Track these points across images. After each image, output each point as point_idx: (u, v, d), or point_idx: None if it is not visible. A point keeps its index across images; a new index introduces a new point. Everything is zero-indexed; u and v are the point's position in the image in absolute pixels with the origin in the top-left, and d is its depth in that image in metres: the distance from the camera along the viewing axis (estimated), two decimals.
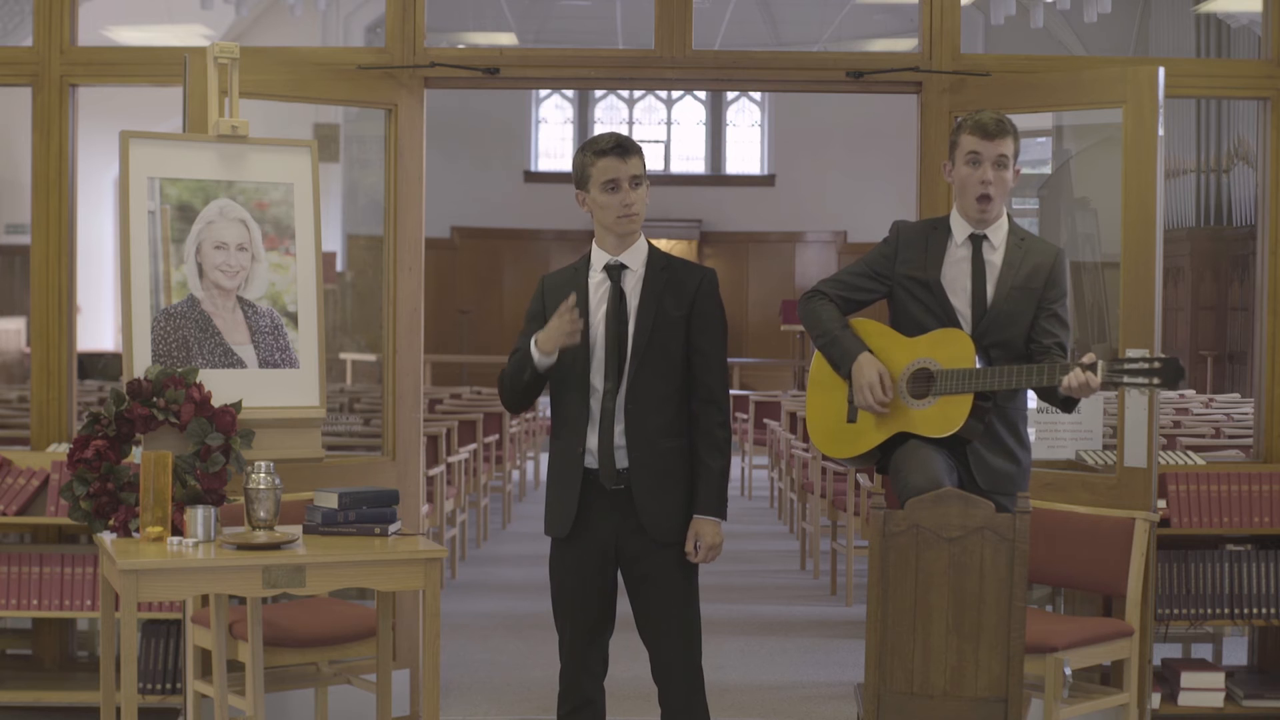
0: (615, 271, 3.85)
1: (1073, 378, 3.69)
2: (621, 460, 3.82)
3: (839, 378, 3.99)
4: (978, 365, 3.81)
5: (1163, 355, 3.71)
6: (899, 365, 3.91)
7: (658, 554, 3.85)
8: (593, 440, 3.83)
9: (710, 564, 3.89)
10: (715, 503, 3.86)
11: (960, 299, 3.94)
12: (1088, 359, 3.70)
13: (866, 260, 4.07)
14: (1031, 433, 5.28)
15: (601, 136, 3.83)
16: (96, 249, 16.42)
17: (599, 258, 3.88)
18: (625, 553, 3.87)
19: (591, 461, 3.84)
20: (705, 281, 3.90)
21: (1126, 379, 3.67)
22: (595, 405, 3.83)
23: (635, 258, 3.87)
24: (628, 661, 4.11)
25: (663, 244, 22.83)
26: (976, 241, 3.95)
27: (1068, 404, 3.89)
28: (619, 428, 3.82)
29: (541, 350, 3.79)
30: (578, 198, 3.87)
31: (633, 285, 3.86)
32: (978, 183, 3.88)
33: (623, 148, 3.79)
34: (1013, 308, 3.91)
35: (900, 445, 3.88)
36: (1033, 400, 4.03)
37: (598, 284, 3.87)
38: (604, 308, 3.84)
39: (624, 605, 3.96)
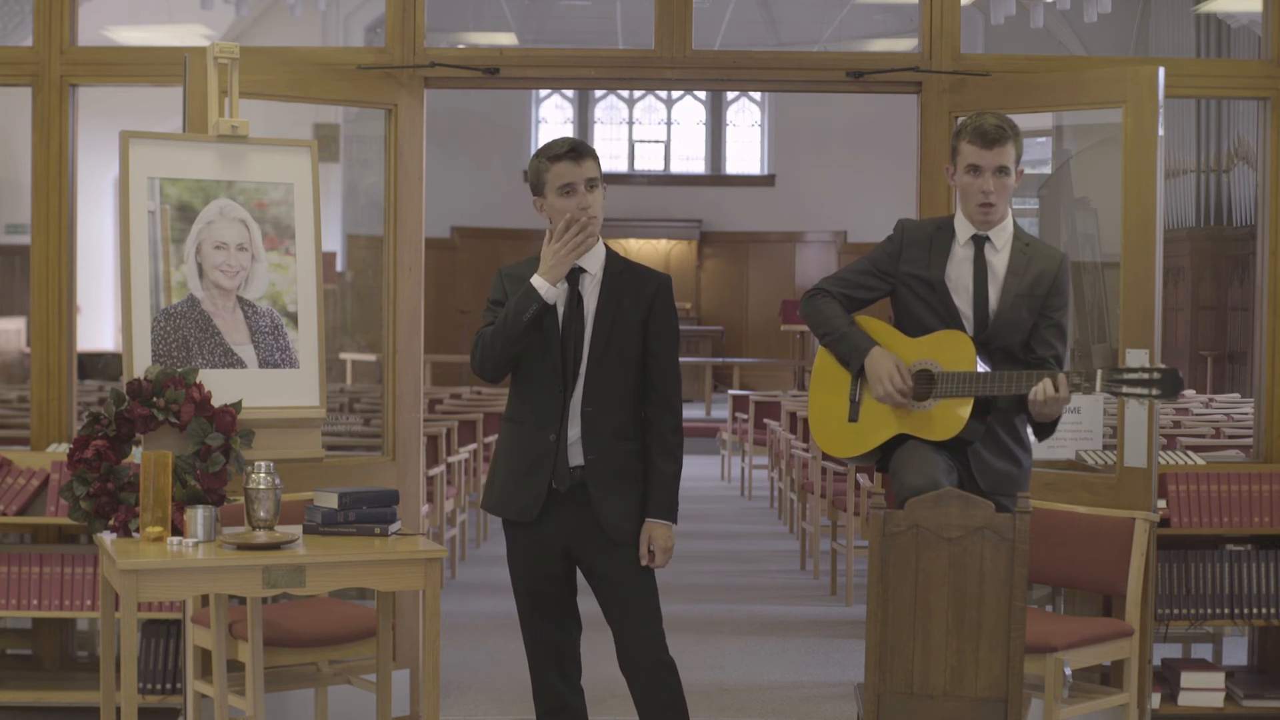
0: (573, 275, 3.85)
1: (1040, 389, 3.70)
2: (576, 458, 3.83)
3: (841, 378, 3.99)
4: (979, 367, 3.81)
5: (1162, 366, 3.70)
6: None
7: (614, 553, 3.87)
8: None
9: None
10: (667, 507, 3.88)
11: (963, 299, 3.94)
12: (1083, 368, 3.71)
13: (870, 258, 4.07)
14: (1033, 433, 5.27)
15: (555, 142, 3.84)
16: (96, 249, 16.42)
17: None
18: (580, 551, 3.89)
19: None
20: (662, 287, 3.92)
21: (1125, 389, 3.67)
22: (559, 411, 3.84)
23: (593, 262, 3.88)
24: (608, 662, 4.11)
25: (663, 244, 22.68)
26: (979, 242, 3.95)
27: (1039, 429, 3.91)
28: (574, 430, 3.83)
29: (548, 278, 3.76)
30: (535, 204, 3.88)
31: (590, 288, 3.86)
32: (978, 191, 3.89)
33: (576, 152, 3.80)
34: (1017, 315, 3.91)
35: (900, 445, 3.88)
36: None
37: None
38: (561, 310, 3.84)
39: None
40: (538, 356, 3.84)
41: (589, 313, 3.84)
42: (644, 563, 3.86)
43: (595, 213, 3.81)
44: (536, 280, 3.78)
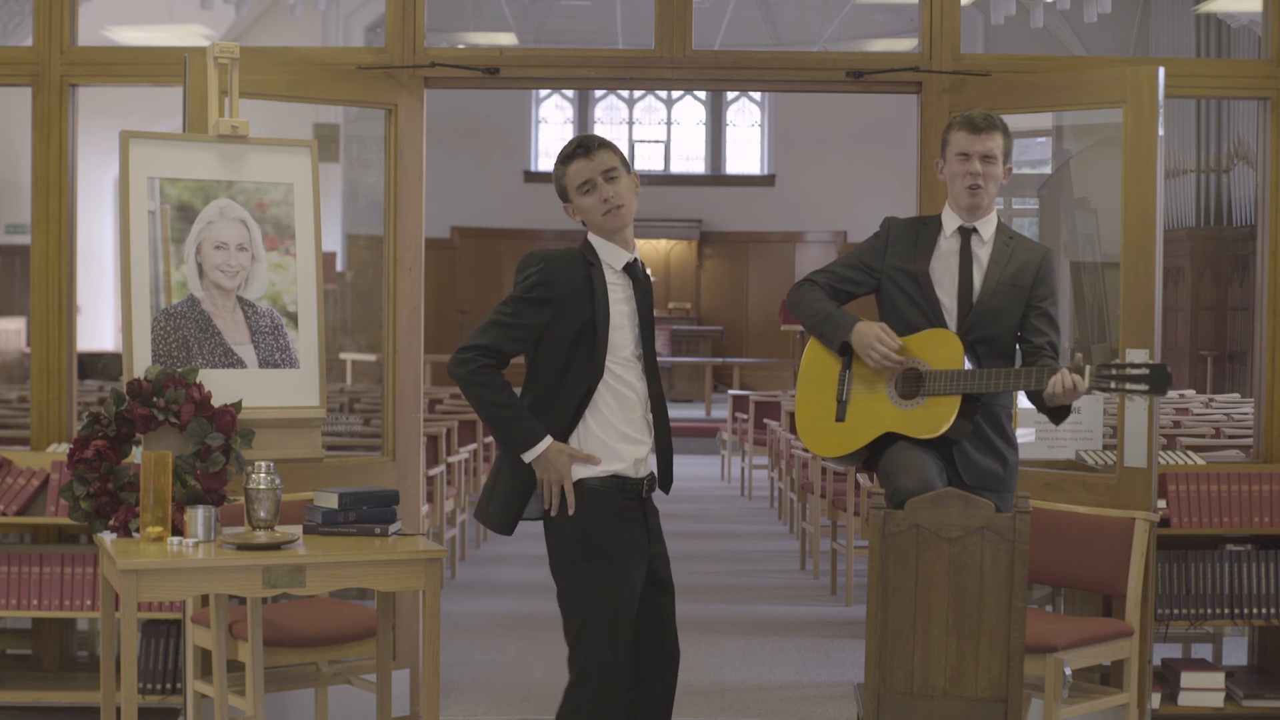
0: (635, 269, 3.74)
1: (1058, 380, 3.72)
2: (652, 463, 3.77)
3: (828, 377, 4.01)
4: (966, 365, 3.82)
5: (1151, 361, 3.72)
6: None
7: (664, 554, 3.82)
8: (646, 446, 3.71)
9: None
10: None
11: (946, 293, 3.97)
12: (1077, 360, 3.71)
13: (856, 253, 4.11)
14: (1032, 433, 5.28)
15: (566, 144, 3.73)
16: (96, 249, 16.42)
17: (616, 256, 3.69)
18: (655, 562, 3.78)
19: (647, 469, 3.72)
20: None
21: (1114, 385, 3.69)
22: (646, 412, 3.72)
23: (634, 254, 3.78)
24: None
25: (663, 244, 22.65)
26: (965, 234, 3.99)
27: (1055, 414, 3.91)
28: (664, 430, 3.76)
29: (547, 463, 3.59)
30: (565, 210, 3.76)
31: (646, 286, 3.77)
32: (966, 174, 3.95)
33: (585, 147, 3.68)
34: (999, 303, 3.94)
35: (889, 445, 3.89)
36: (1024, 400, 4.04)
37: (618, 284, 3.69)
38: (630, 307, 3.69)
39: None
40: (627, 363, 3.70)
41: (644, 312, 3.73)
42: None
43: (621, 201, 3.66)
44: (532, 451, 3.57)
